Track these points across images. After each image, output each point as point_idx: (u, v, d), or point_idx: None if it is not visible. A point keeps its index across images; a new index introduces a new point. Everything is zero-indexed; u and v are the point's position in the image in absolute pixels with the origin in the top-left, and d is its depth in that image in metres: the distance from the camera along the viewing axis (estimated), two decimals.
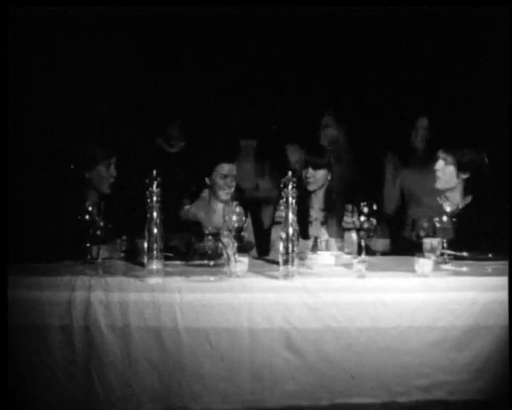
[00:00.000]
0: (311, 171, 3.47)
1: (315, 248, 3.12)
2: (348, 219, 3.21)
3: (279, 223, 3.20)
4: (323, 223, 3.47)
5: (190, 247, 2.84)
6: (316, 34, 4.49)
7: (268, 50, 4.57)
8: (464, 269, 2.69)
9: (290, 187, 2.64)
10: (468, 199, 3.16)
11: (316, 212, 3.50)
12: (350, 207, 3.25)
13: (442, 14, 4.10)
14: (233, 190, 3.51)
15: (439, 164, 3.15)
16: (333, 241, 3.22)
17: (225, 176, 3.47)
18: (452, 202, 3.12)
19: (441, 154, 3.14)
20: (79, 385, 2.46)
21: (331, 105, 4.50)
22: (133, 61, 4.49)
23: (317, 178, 3.48)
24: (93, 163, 3.22)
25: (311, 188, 3.50)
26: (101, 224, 2.73)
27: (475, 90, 4.25)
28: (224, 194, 3.48)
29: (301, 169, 3.50)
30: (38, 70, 4.20)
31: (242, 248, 2.80)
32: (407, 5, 3.81)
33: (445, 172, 3.13)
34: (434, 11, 4.01)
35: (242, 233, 2.76)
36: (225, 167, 3.47)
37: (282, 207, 3.19)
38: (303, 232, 3.24)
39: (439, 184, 3.17)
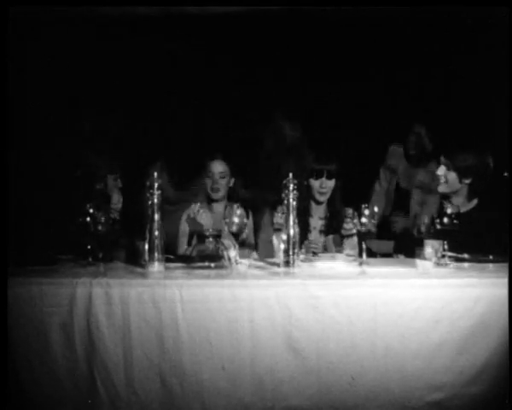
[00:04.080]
0: (325, 181, 3.33)
1: (315, 254, 3.12)
2: (348, 226, 3.18)
3: (278, 230, 3.19)
4: (322, 231, 3.41)
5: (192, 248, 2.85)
6: (317, 37, 4.49)
7: (270, 53, 4.56)
8: (466, 271, 2.70)
9: (291, 188, 2.65)
10: (474, 202, 3.17)
11: (315, 221, 3.42)
12: (350, 211, 3.25)
13: (441, 14, 4.10)
14: (224, 189, 3.46)
15: (442, 169, 3.16)
16: (330, 239, 3.23)
17: (212, 174, 3.42)
18: (455, 205, 3.13)
19: (443, 159, 3.16)
20: (81, 386, 2.47)
21: (332, 108, 4.51)
22: (132, 62, 4.49)
23: (329, 187, 3.35)
24: (102, 175, 3.28)
25: (322, 199, 3.37)
26: (103, 219, 2.72)
27: (475, 93, 4.25)
28: (214, 194, 3.44)
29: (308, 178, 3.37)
30: (38, 70, 4.20)
31: (243, 250, 2.82)
32: (405, 5, 3.80)
33: (448, 177, 3.14)
34: (433, 11, 4.00)
35: (244, 234, 2.77)
36: (215, 164, 3.42)
37: (279, 214, 3.20)
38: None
39: (442, 189, 3.18)
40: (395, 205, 4.24)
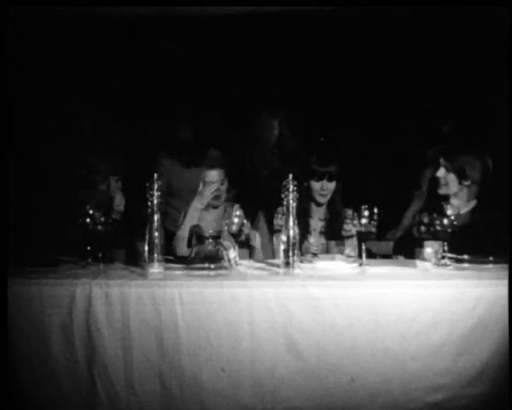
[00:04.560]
0: (326, 183, 3.31)
1: (315, 255, 3.12)
2: (348, 227, 3.19)
3: (278, 231, 3.19)
4: (322, 233, 3.40)
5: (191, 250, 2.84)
6: (316, 37, 4.49)
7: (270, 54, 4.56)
8: (465, 272, 2.69)
9: (291, 189, 2.64)
10: (472, 204, 3.18)
11: (315, 222, 3.41)
12: (350, 212, 3.26)
13: (441, 14, 4.10)
14: (223, 195, 3.46)
15: (441, 171, 3.18)
16: (333, 243, 3.22)
17: (209, 182, 3.42)
18: (454, 207, 3.15)
19: (442, 162, 3.17)
20: (81, 387, 2.47)
21: (335, 110, 4.51)
22: (132, 62, 4.49)
23: (330, 190, 3.32)
24: (104, 176, 3.29)
25: (323, 201, 3.35)
26: (102, 219, 2.72)
27: (475, 93, 4.25)
28: (216, 202, 3.43)
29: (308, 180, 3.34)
30: (38, 70, 4.20)
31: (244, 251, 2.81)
32: (406, 5, 3.79)
33: (447, 179, 3.16)
34: (433, 11, 4.00)
35: (244, 235, 2.77)
36: (209, 175, 3.41)
37: (279, 216, 3.21)
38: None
39: (442, 191, 3.20)
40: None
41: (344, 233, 3.23)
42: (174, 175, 4.00)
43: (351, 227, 3.17)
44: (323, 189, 3.32)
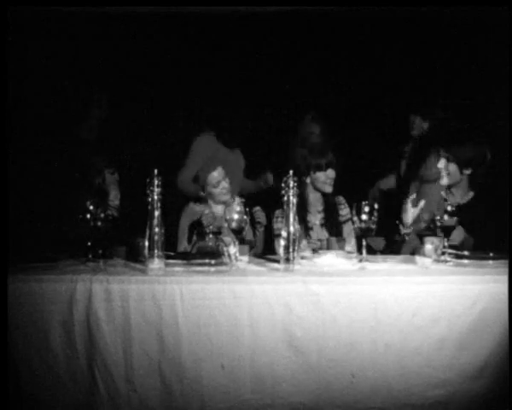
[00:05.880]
0: (331, 172, 3.41)
1: (315, 251, 3.13)
2: (343, 212, 3.28)
3: (279, 235, 3.19)
4: (323, 225, 3.43)
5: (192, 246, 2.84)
6: (316, 37, 4.50)
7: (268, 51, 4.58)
8: (466, 268, 2.69)
9: (291, 185, 2.64)
10: (470, 195, 3.19)
11: (313, 216, 3.44)
12: (341, 198, 3.33)
13: (441, 14, 4.11)
14: (228, 190, 3.51)
15: (442, 162, 3.19)
16: (334, 240, 3.23)
17: (218, 182, 3.48)
18: (456, 197, 3.16)
19: (442, 152, 3.18)
20: (81, 383, 2.47)
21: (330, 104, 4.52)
22: (132, 61, 4.50)
23: (333, 178, 3.42)
24: (100, 170, 3.29)
25: (330, 190, 3.43)
26: (102, 215, 2.72)
27: (475, 93, 4.26)
28: (224, 197, 3.49)
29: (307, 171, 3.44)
30: (38, 69, 4.21)
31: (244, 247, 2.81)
32: (407, 5, 3.81)
33: (449, 169, 3.17)
34: (433, 11, 4.02)
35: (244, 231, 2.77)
36: (215, 175, 3.48)
37: (279, 219, 3.24)
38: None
39: (444, 182, 3.22)
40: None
41: (341, 219, 3.30)
42: None
43: (345, 212, 3.34)
44: (329, 177, 3.41)
